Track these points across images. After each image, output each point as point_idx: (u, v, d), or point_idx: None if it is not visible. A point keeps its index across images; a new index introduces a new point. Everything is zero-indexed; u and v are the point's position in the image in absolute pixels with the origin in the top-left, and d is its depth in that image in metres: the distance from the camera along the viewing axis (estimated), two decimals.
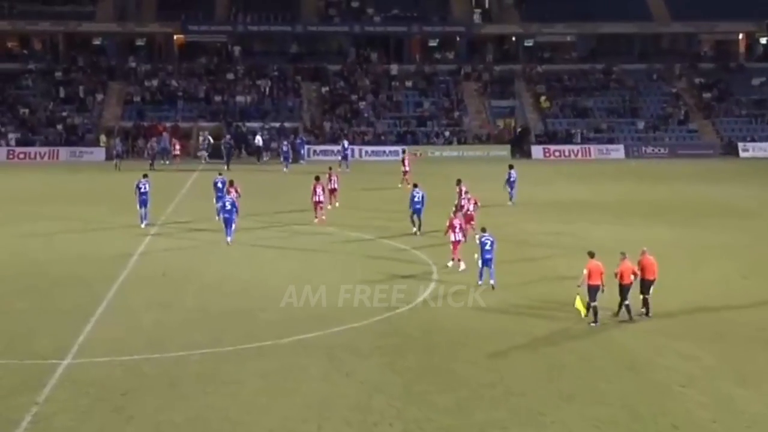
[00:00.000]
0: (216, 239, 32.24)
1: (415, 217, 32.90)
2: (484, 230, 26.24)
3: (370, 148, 62.19)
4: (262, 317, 22.92)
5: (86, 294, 24.98)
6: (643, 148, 63.83)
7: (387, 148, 62.36)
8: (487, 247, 25.40)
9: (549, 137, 65.10)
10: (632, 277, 22.46)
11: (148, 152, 56.16)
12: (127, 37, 72.78)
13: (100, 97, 66.34)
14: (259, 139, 59.81)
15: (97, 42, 72.73)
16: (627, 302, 22.48)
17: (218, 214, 33.44)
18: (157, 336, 21.39)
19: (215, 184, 36.58)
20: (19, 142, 61.82)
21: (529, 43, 73.94)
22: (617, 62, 71.67)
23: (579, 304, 22.39)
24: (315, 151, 60.55)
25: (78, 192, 45.85)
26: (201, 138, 59.14)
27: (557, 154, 63.19)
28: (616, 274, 22.43)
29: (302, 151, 59.00)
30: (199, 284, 26.28)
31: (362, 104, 66.75)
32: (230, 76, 68.90)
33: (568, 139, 64.67)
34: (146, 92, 67.02)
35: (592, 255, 22.53)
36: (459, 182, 34.08)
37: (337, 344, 20.73)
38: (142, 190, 34.54)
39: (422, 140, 63.92)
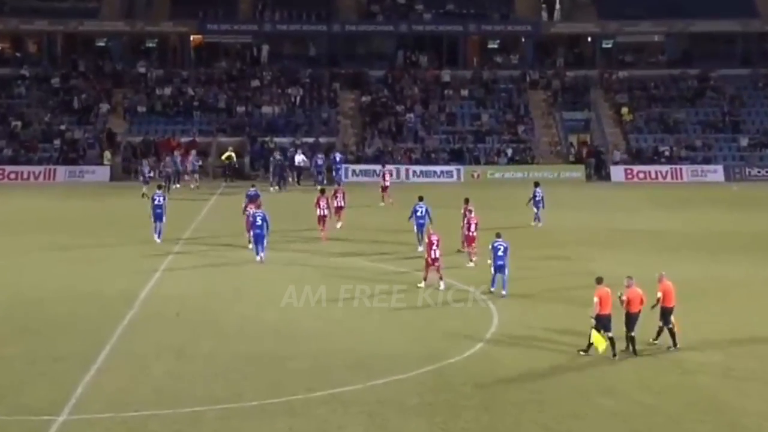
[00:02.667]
0: (237, 262, 33.58)
1: (418, 233, 36.17)
2: (498, 235, 29.91)
3: (418, 168, 62.31)
4: (291, 366, 23.04)
5: (86, 337, 25.26)
6: (747, 170, 63.20)
7: (438, 168, 62.47)
8: (500, 253, 29.25)
9: (632, 156, 64.77)
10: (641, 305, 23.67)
11: (163, 173, 56.22)
12: (136, 37, 73.84)
13: (104, 107, 67.24)
14: (301, 159, 59.57)
15: (101, 43, 73.80)
16: (633, 334, 23.47)
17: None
18: (169, 388, 21.56)
19: (248, 196, 40.56)
20: (11, 160, 62.80)
21: (607, 44, 73.73)
22: (715, 67, 71.17)
23: (596, 339, 23.21)
24: (354, 172, 60.82)
25: (78, 218, 46.44)
26: (192, 156, 58.64)
27: (641, 175, 62.82)
28: (621, 302, 23.44)
29: (340, 171, 59.15)
30: (217, 325, 26.52)
31: (409, 116, 66.97)
32: (255, 83, 69.56)
33: (654, 159, 64.30)
34: (158, 102, 67.88)
35: (600, 281, 23.74)
36: (467, 201, 36.26)
37: (378, 399, 20.76)
38: (157, 202, 38.03)
39: (479, 158, 63.88)
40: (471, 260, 33.87)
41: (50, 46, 73.75)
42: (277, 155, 58.35)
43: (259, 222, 34.51)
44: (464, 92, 69.49)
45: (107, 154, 62.29)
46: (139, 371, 22.67)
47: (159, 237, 38.05)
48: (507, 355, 24.02)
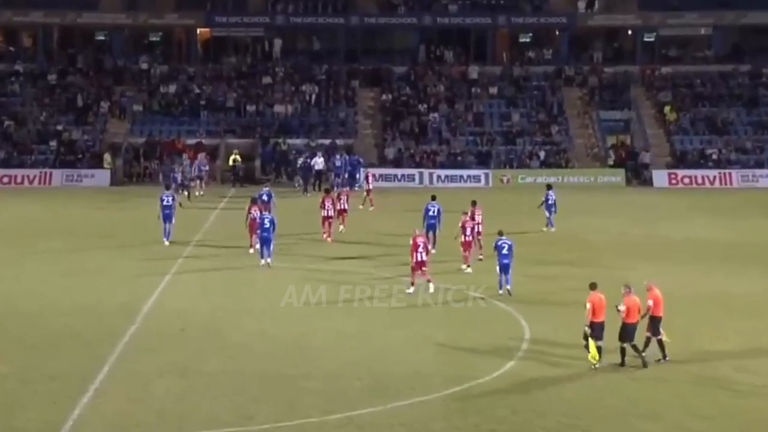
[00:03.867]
0: (245, 271, 34.15)
1: (429, 233, 36.83)
2: (501, 234, 31.13)
3: (442, 172, 62.24)
4: (305, 386, 23.00)
5: (85, 354, 25.30)
6: None
7: (465, 172, 62.40)
8: (504, 252, 30.58)
9: (676, 159, 64.57)
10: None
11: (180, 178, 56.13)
12: (139, 31, 74.26)
13: (104, 105, 67.56)
14: (319, 162, 59.62)
15: (100, 37, 74.26)
16: (635, 343, 24.03)
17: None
18: (172, 409, 21.57)
19: (260, 197, 41.75)
20: (4, 163, 63.14)
21: (649, 37, 73.65)
22: None
23: (593, 350, 23.76)
24: (374, 176, 60.67)
25: (77, 225, 46.61)
26: (199, 160, 58.71)
27: (687, 180, 62.63)
28: (619, 310, 23.84)
29: (358, 175, 59.21)
30: (224, 341, 26.54)
31: (433, 116, 67.01)
32: (267, 80, 69.77)
33: (701, 162, 64.07)
34: (161, 100, 68.14)
35: (594, 287, 24.23)
36: (474, 204, 37.07)
37: (400, 422, 20.68)
38: (165, 203, 39.80)
39: (510, 162, 63.83)
40: (466, 265, 34.55)
41: (46, 40, 74.22)
42: (304, 158, 58.58)
43: (267, 224, 35.52)
44: (493, 90, 69.47)
45: (107, 157, 62.40)
46: (141, 391, 22.67)
47: (167, 239, 39.34)
48: (540, 374, 23.91)
